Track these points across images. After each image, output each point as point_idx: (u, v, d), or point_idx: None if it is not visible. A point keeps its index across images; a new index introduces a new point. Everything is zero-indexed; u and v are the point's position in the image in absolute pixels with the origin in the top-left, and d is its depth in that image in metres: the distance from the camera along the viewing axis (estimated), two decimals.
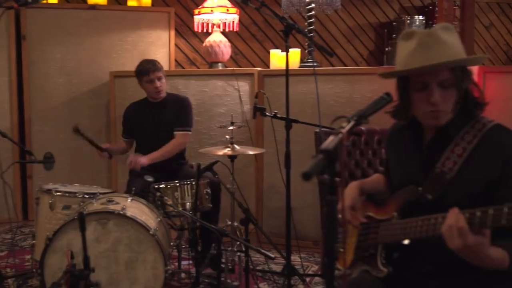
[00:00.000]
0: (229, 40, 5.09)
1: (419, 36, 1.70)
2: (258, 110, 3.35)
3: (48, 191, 3.15)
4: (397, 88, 1.79)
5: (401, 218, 1.79)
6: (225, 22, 4.96)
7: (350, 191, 1.99)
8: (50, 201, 3.11)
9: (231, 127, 3.43)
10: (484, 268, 1.53)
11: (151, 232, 2.79)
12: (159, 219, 3.02)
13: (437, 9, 4.91)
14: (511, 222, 1.38)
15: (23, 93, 5.05)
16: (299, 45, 5.59)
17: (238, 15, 4.94)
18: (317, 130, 3.46)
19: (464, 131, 1.72)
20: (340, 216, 1.79)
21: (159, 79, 3.75)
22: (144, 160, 3.62)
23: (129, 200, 2.99)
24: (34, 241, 3.19)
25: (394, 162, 2.01)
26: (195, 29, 5.03)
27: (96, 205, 2.92)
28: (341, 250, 1.99)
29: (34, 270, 3.18)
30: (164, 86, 3.81)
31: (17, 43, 5.04)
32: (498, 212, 1.41)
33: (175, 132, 3.81)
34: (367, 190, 2.04)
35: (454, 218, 1.46)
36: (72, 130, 3.38)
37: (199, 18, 4.93)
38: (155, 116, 3.82)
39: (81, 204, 3.05)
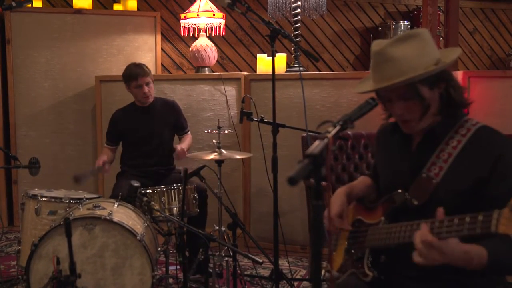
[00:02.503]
0: (216, 45, 5.10)
1: (374, 55, 1.75)
2: (245, 115, 3.36)
3: (34, 197, 3.12)
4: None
5: (388, 222, 1.81)
6: (211, 27, 4.97)
7: (337, 199, 1.99)
8: (36, 207, 3.08)
9: (217, 131, 3.43)
10: (469, 272, 1.55)
11: (138, 238, 2.78)
12: (146, 224, 3.01)
13: (421, 14, 4.96)
14: (485, 230, 1.40)
15: (8, 97, 5.00)
16: (286, 49, 5.61)
17: (224, 19, 4.95)
18: (304, 134, 3.48)
19: (448, 137, 1.74)
20: (326, 223, 1.80)
21: (147, 84, 3.70)
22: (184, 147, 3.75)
23: (116, 205, 2.98)
24: (19, 247, 3.15)
25: (383, 163, 2.02)
26: (182, 33, 5.03)
27: (82, 211, 2.90)
28: (332, 253, 2.02)
29: (19, 276, 3.15)
30: (152, 91, 3.77)
31: (1, 47, 5.01)
32: (473, 220, 1.43)
33: (184, 135, 3.97)
34: (354, 195, 2.05)
35: (422, 235, 1.51)
36: (75, 182, 3.31)
37: (185, 23, 4.93)
38: (146, 121, 3.79)
39: (67, 209, 3.03)
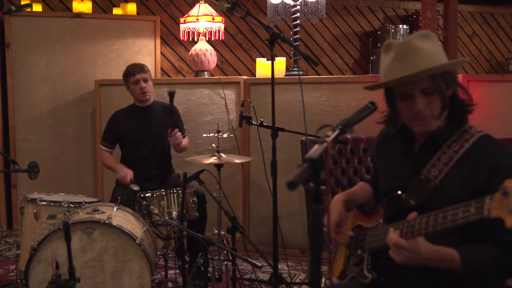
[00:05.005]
0: (215, 49, 5.10)
1: (396, 48, 1.74)
2: (244, 119, 3.36)
3: (33, 201, 3.12)
4: (384, 98, 1.83)
5: (387, 224, 1.81)
6: (210, 31, 4.98)
7: (335, 206, 2.00)
8: (35, 211, 3.08)
9: (217, 135, 3.43)
10: (469, 277, 1.57)
11: (137, 241, 2.77)
12: (145, 228, 3.01)
13: (421, 18, 4.97)
14: (478, 215, 1.44)
15: (8, 101, 5.00)
16: (285, 53, 5.62)
17: (223, 23, 4.96)
18: (303, 138, 3.48)
19: (451, 140, 1.75)
20: (326, 231, 1.80)
21: (145, 80, 3.76)
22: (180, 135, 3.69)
23: (115, 209, 2.97)
24: (18, 251, 3.15)
25: (383, 166, 2.02)
26: (181, 37, 5.04)
27: (81, 215, 2.90)
28: (334, 260, 2.03)
29: (18, 280, 3.14)
30: (151, 89, 3.82)
31: (1, 51, 5.01)
32: (466, 208, 1.49)
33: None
34: (353, 202, 2.05)
35: (390, 237, 1.65)
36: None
37: (185, 27, 4.93)
38: (144, 122, 3.81)
39: (66, 213, 3.02)
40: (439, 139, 1.77)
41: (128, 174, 3.61)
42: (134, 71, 3.78)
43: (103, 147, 3.92)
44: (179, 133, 3.64)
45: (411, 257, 1.61)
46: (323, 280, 2.00)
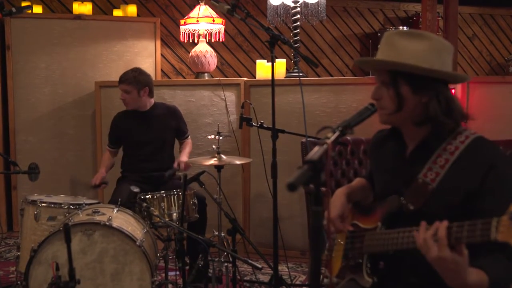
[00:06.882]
0: (215, 51, 5.11)
1: (383, 37, 1.81)
2: (244, 120, 3.36)
3: (33, 202, 3.12)
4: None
5: (385, 227, 1.80)
6: (211, 33, 4.99)
7: (338, 199, 1.98)
8: (35, 212, 3.08)
9: (217, 137, 3.43)
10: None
11: (137, 243, 2.77)
12: (145, 230, 3.01)
13: (421, 20, 4.98)
14: (485, 237, 1.38)
15: (8, 103, 5.00)
16: (285, 55, 5.62)
17: (224, 25, 4.96)
18: (303, 140, 3.48)
19: (447, 143, 1.73)
20: (326, 224, 1.79)
21: (127, 92, 3.73)
22: (186, 159, 3.80)
23: (115, 211, 2.97)
24: (18, 253, 3.15)
25: (377, 170, 2.02)
26: (181, 39, 5.04)
27: (81, 216, 2.90)
28: (330, 258, 2.01)
29: (18, 282, 3.14)
30: (132, 101, 3.76)
31: (1, 53, 5.01)
32: (472, 227, 1.42)
33: (185, 140, 4.00)
34: (354, 197, 2.05)
35: (434, 228, 1.47)
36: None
37: (185, 28, 4.94)
38: (146, 125, 3.80)
39: (67, 215, 3.02)
40: (431, 142, 1.76)
41: (94, 179, 3.73)
42: (119, 80, 3.77)
43: (107, 148, 4.01)
44: (183, 165, 3.72)
45: (441, 265, 1.48)
46: (322, 278, 2.00)
